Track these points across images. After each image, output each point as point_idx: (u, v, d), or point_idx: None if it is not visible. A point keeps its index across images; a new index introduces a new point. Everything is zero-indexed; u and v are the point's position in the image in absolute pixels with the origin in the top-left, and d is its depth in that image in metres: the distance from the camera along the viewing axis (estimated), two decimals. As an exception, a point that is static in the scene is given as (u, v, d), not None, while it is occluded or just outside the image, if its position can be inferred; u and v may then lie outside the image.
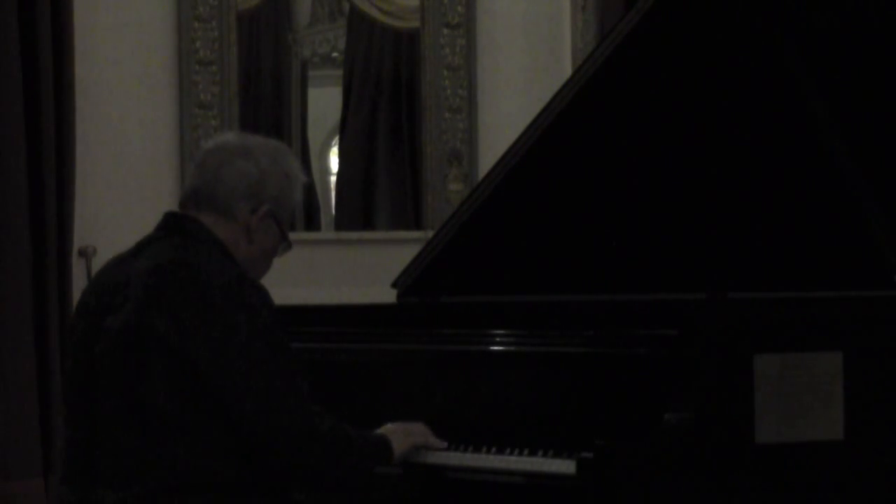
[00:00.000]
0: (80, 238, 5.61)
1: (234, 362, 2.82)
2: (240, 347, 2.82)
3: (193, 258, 2.89)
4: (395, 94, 6.56)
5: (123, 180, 5.76)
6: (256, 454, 2.87)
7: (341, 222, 6.56)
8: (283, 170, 3.03)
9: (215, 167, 2.99)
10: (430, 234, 4.67)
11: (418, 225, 6.36)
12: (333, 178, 6.70)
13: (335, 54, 6.63)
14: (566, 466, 2.93)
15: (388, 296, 3.96)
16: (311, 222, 6.49)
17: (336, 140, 6.73)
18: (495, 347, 3.29)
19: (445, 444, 3.16)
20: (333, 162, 6.76)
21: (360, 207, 6.60)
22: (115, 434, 2.84)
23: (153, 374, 2.81)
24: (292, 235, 3.15)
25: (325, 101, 6.63)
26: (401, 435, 3.11)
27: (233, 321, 2.82)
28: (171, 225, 2.98)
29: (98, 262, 5.22)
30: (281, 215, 3.03)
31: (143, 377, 2.82)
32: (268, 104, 6.46)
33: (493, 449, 3.11)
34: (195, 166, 3.02)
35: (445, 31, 6.33)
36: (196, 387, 2.81)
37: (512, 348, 3.27)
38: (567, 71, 6.07)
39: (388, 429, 3.12)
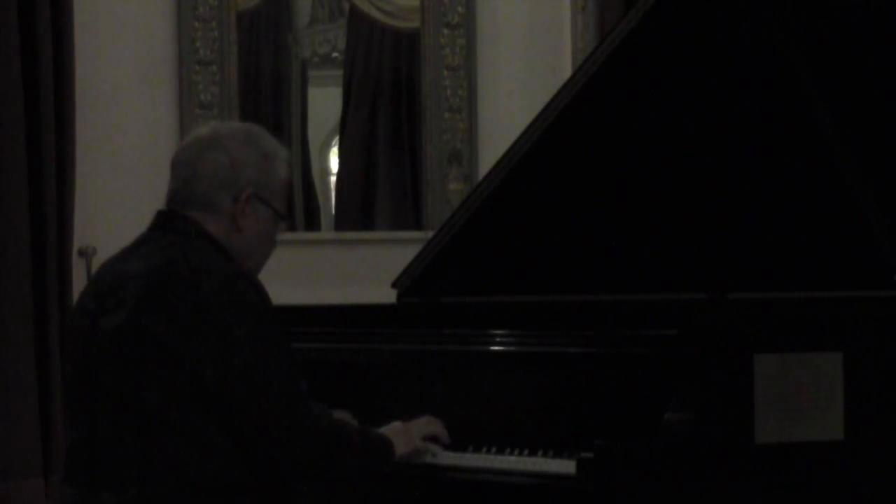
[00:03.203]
0: (80, 238, 5.61)
1: (233, 362, 2.80)
2: (237, 347, 2.80)
3: (186, 258, 2.87)
4: (395, 94, 6.56)
5: (123, 180, 5.76)
6: (257, 452, 2.87)
7: (341, 222, 6.56)
8: (258, 151, 2.98)
9: (188, 165, 2.95)
10: (430, 234, 4.67)
11: (418, 225, 6.37)
12: (333, 178, 6.70)
13: (335, 54, 6.64)
14: (566, 466, 2.93)
15: (388, 296, 3.96)
16: (311, 222, 6.49)
17: (336, 140, 6.73)
18: (495, 347, 3.29)
19: (444, 445, 3.16)
20: (333, 162, 6.76)
21: (360, 207, 6.60)
22: (115, 436, 2.83)
23: (150, 376, 2.80)
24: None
25: (325, 101, 6.63)
26: (405, 436, 3.11)
27: (229, 320, 2.80)
28: (163, 224, 2.96)
29: (98, 262, 5.21)
30: (267, 196, 2.98)
31: (141, 380, 2.81)
32: (268, 104, 6.46)
33: (493, 449, 3.11)
34: (171, 167, 2.99)
35: (445, 31, 6.34)
36: (194, 389, 2.80)
37: (512, 348, 3.27)
38: (567, 71, 6.08)
39: (392, 428, 3.12)
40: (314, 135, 6.65)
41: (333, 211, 6.61)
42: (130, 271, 2.88)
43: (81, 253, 5.62)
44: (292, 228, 6.23)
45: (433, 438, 3.16)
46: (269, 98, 6.46)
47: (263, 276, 3.00)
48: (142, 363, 2.81)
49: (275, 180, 3.00)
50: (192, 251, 2.89)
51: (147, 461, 2.80)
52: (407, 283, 3.92)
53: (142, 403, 2.80)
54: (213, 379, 2.80)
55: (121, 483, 2.82)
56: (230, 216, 2.95)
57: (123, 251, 3.00)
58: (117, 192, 5.74)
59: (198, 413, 2.80)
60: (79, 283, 5.44)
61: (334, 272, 6.10)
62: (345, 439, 2.96)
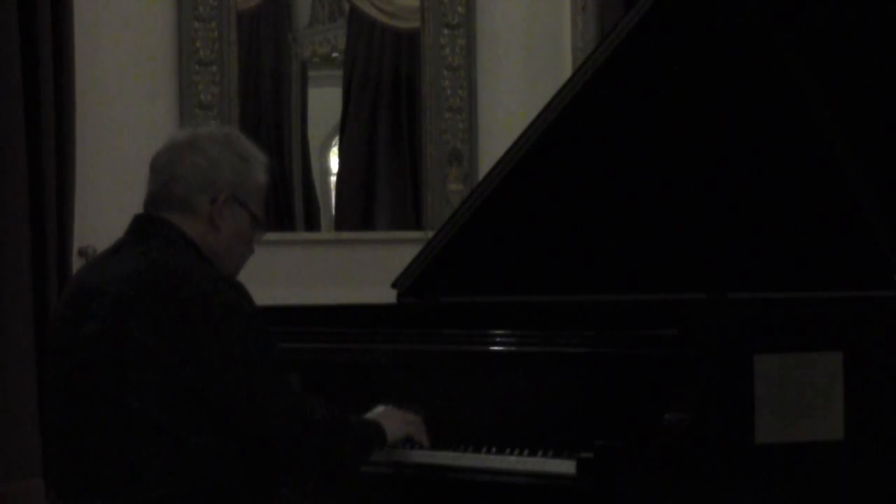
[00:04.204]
0: (80, 238, 5.61)
1: (219, 364, 2.79)
2: (223, 349, 2.80)
3: (166, 262, 2.86)
4: (395, 94, 6.56)
5: (123, 180, 5.75)
6: (255, 451, 2.86)
7: (341, 222, 6.56)
8: (235, 154, 2.99)
9: (167, 167, 2.97)
10: (430, 234, 4.67)
11: (418, 225, 6.36)
12: (333, 178, 6.69)
13: (335, 54, 6.63)
14: (566, 466, 2.93)
15: (388, 296, 3.96)
16: (311, 222, 6.49)
17: (336, 140, 6.72)
18: (495, 347, 3.29)
19: (429, 443, 3.17)
20: (333, 162, 6.76)
21: (360, 207, 6.59)
22: (101, 443, 2.82)
23: (134, 383, 2.79)
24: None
25: (325, 101, 6.63)
26: (395, 420, 3.12)
27: (212, 324, 2.79)
28: (141, 228, 2.96)
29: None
30: (245, 198, 2.98)
31: (124, 386, 2.79)
32: (268, 104, 6.46)
33: (493, 449, 3.11)
34: (150, 170, 3.00)
35: (445, 31, 6.34)
36: (179, 394, 2.79)
37: (512, 348, 3.27)
38: (567, 71, 6.08)
39: (381, 413, 3.14)
40: (314, 135, 6.64)
41: (333, 211, 6.61)
42: (110, 277, 2.87)
43: (81, 253, 5.62)
44: (291, 228, 6.24)
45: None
46: (269, 98, 6.46)
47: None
48: (124, 369, 2.79)
49: (252, 183, 3.00)
50: (171, 255, 2.88)
51: (135, 469, 2.79)
52: (407, 283, 3.92)
53: (126, 410, 2.79)
54: (201, 383, 2.79)
55: (110, 492, 2.81)
56: (207, 217, 2.95)
57: (100, 256, 3.00)
58: (117, 192, 5.73)
59: (184, 417, 2.79)
60: (79, 283, 5.44)
61: (334, 272, 6.10)
62: (342, 426, 2.97)
